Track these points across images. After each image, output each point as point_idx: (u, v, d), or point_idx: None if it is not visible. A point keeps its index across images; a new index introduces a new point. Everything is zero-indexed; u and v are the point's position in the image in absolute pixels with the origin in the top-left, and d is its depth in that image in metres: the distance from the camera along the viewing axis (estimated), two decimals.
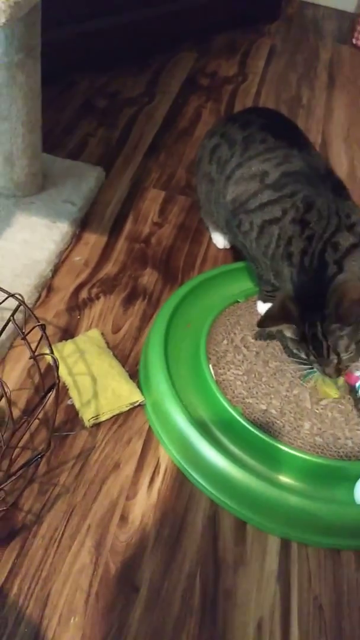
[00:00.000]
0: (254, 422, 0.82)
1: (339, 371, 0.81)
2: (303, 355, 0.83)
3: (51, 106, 1.39)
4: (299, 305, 0.79)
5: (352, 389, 0.87)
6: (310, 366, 0.84)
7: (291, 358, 0.90)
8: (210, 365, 0.88)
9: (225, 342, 0.92)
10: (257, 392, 0.87)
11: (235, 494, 0.76)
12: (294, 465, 0.79)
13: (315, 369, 0.84)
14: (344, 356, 0.79)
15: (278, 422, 0.84)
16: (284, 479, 0.79)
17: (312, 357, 0.81)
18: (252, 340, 0.94)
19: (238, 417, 0.81)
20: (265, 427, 0.83)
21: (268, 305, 0.96)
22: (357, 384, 0.86)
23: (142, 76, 1.57)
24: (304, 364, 0.86)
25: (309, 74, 1.73)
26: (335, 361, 0.79)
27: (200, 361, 0.87)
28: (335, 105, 1.61)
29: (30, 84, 0.97)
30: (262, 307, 0.97)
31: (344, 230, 0.81)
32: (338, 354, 0.79)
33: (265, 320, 0.82)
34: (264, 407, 0.85)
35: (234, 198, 0.93)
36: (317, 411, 0.85)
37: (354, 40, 1.94)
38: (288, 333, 0.82)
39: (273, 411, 0.85)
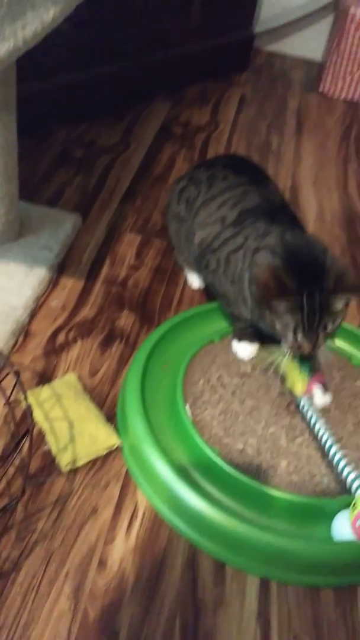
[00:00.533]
0: (231, 462, 0.83)
1: (315, 348, 0.83)
2: (284, 328, 0.82)
3: (29, 156, 1.43)
4: (293, 276, 0.80)
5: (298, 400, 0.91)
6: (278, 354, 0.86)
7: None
8: (187, 406, 0.89)
9: (201, 382, 0.94)
10: (233, 432, 0.88)
11: (214, 535, 0.76)
12: (272, 504, 0.80)
13: (286, 352, 0.85)
14: (329, 330, 0.82)
15: (255, 461, 0.85)
16: (262, 518, 0.79)
17: (299, 331, 0.81)
18: (228, 379, 0.95)
19: (215, 458, 0.82)
20: (243, 467, 0.83)
21: (244, 343, 0.99)
22: (302, 398, 0.90)
23: (118, 126, 1.62)
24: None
25: (278, 121, 1.79)
26: (320, 336, 0.81)
27: (176, 402, 0.89)
28: (304, 150, 1.68)
29: (6, 136, 1.00)
30: (237, 346, 0.99)
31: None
32: (326, 327, 0.81)
33: (264, 298, 0.82)
34: (240, 446, 0.86)
35: (200, 241, 0.98)
36: (292, 449, 0.87)
37: (320, 88, 2.03)
38: (280, 307, 0.82)
39: (250, 450, 0.86)
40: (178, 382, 0.91)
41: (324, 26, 2.19)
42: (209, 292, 1.12)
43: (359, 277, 0.82)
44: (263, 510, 0.80)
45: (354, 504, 0.76)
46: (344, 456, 0.82)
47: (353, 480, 0.79)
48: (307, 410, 0.89)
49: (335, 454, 0.82)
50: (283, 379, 0.93)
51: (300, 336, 0.82)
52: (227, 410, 0.90)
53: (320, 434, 0.85)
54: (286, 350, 0.85)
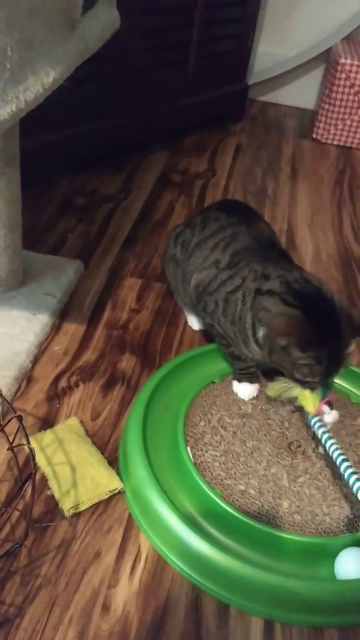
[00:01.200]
0: (233, 504, 0.83)
1: (328, 387, 0.86)
2: (305, 378, 0.84)
3: (32, 206, 1.47)
4: (315, 328, 0.81)
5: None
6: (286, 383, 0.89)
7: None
8: (188, 448, 0.90)
9: (202, 423, 0.95)
10: (235, 473, 0.88)
11: (217, 578, 0.76)
12: (275, 544, 0.80)
13: (296, 385, 0.87)
14: (340, 371, 0.84)
15: (257, 502, 0.85)
16: (265, 559, 0.79)
17: (317, 379, 0.83)
18: (229, 421, 0.96)
19: (217, 500, 0.82)
20: (245, 508, 0.84)
21: (244, 384, 1.00)
22: (312, 420, 0.92)
23: (118, 175, 1.68)
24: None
25: (273, 167, 1.85)
26: (333, 378, 0.85)
27: (178, 444, 0.90)
28: (299, 194, 1.73)
29: (10, 189, 1.04)
30: (238, 387, 1.01)
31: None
32: (339, 371, 0.84)
33: (285, 347, 0.83)
34: (242, 487, 0.87)
35: (196, 285, 1.00)
36: (294, 489, 0.87)
37: (314, 135, 2.10)
38: (298, 356, 0.83)
39: (252, 491, 0.86)
40: (179, 424, 0.92)
41: (315, 76, 2.29)
42: (208, 334, 1.15)
43: None
44: (266, 551, 0.80)
45: None
46: (356, 472, 0.83)
47: None
48: (320, 427, 0.90)
49: (347, 468, 0.84)
50: (293, 400, 0.94)
51: (316, 382, 0.85)
52: (228, 452, 0.91)
53: (332, 450, 0.87)
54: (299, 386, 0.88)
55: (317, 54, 2.19)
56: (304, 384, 0.86)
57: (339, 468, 0.85)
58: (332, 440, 0.88)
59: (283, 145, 2.01)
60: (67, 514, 0.81)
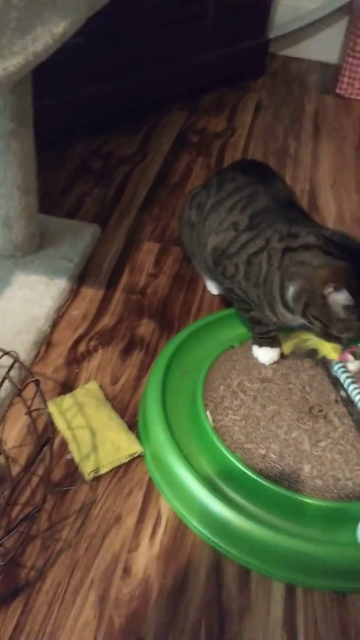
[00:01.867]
0: (253, 468, 0.82)
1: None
2: (338, 334, 0.83)
3: (48, 169, 1.45)
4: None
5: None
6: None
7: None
8: (208, 412, 0.89)
9: (222, 387, 0.94)
10: (255, 437, 0.87)
11: (238, 542, 0.76)
12: (296, 509, 0.79)
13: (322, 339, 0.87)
14: None
15: (278, 466, 0.84)
16: (286, 524, 0.78)
17: (350, 331, 0.83)
18: (249, 385, 0.95)
19: (237, 464, 0.81)
20: (265, 472, 0.83)
21: (265, 348, 0.98)
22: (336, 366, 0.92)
23: (135, 136, 1.64)
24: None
25: (295, 125, 1.79)
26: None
27: (197, 408, 0.88)
28: (321, 153, 1.67)
29: (24, 150, 1.02)
30: (258, 351, 0.99)
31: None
32: None
33: (347, 298, 0.80)
34: (263, 452, 0.85)
35: (214, 247, 0.97)
36: (316, 453, 0.86)
37: (337, 90, 2.02)
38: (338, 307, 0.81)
39: (272, 455, 0.85)
40: (198, 389, 0.91)
41: (339, 28, 2.19)
42: (227, 298, 1.12)
43: None
44: (287, 516, 0.79)
45: None
46: None
47: None
48: (343, 373, 0.90)
49: None
50: (314, 354, 0.94)
51: (349, 333, 0.83)
52: (248, 416, 0.90)
53: (354, 394, 0.87)
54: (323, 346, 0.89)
55: (341, 5, 2.09)
56: (335, 339, 0.85)
57: None
58: (355, 385, 0.88)
59: (305, 101, 1.94)
60: (87, 477, 0.81)
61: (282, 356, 0.99)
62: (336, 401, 0.94)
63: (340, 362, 0.92)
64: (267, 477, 0.81)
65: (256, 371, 0.97)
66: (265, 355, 0.98)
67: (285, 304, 0.88)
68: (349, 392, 0.89)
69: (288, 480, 0.82)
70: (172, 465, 0.81)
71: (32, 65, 0.63)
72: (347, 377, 0.90)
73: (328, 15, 2.13)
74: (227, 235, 0.96)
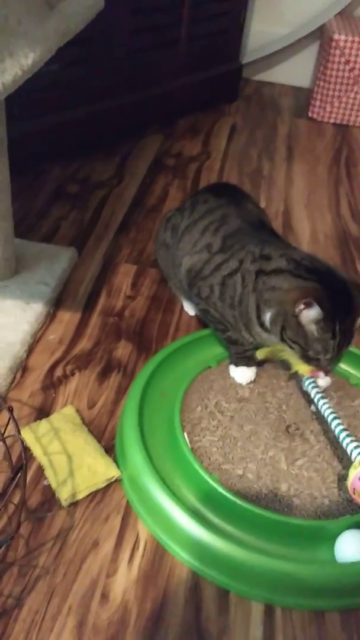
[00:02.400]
0: (231, 489, 0.82)
1: (333, 366, 0.86)
2: (316, 354, 0.83)
3: (24, 194, 1.46)
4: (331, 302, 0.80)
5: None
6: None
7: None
8: (185, 434, 0.89)
9: (199, 408, 0.94)
10: (233, 458, 0.88)
11: (216, 564, 0.76)
12: (274, 529, 0.79)
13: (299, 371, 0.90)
14: (348, 348, 0.85)
15: (255, 486, 0.84)
16: (264, 544, 0.78)
17: (327, 355, 0.83)
18: (226, 405, 0.95)
19: (215, 485, 0.81)
20: (243, 492, 0.83)
21: (242, 368, 0.99)
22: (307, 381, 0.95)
23: (111, 161, 1.66)
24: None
25: (269, 148, 1.83)
26: (339, 358, 0.85)
27: (175, 430, 0.89)
28: (295, 174, 1.70)
29: None
30: (235, 371, 1.00)
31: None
32: (347, 347, 0.84)
33: (326, 323, 0.81)
34: (240, 472, 0.86)
35: (188, 269, 0.99)
36: (293, 472, 0.86)
37: (309, 113, 2.07)
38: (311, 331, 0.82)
39: (250, 475, 0.85)
40: (176, 410, 0.91)
41: (310, 53, 2.25)
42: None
43: None
44: (265, 535, 0.79)
45: (354, 465, 0.80)
46: (347, 430, 0.86)
47: (354, 449, 0.82)
48: (313, 388, 0.93)
49: (338, 426, 0.87)
50: (287, 366, 0.95)
51: (325, 359, 0.84)
52: (225, 436, 0.90)
53: (324, 409, 0.90)
54: (303, 372, 0.90)
55: (311, 30, 2.15)
56: (315, 361, 0.85)
57: (331, 427, 0.88)
58: (325, 400, 0.91)
59: (279, 124, 1.98)
60: (64, 503, 0.81)
61: (259, 375, 1.00)
62: (312, 419, 0.95)
63: (310, 377, 0.93)
64: (244, 497, 0.82)
65: (233, 391, 0.98)
66: (242, 375, 0.99)
67: (262, 325, 0.89)
68: (319, 408, 0.91)
69: (265, 500, 0.83)
70: (149, 488, 0.80)
71: (3, 96, 0.64)
72: (317, 393, 0.92)
73: (299, 40, 2.18)
74: (201, 256, 0.97)
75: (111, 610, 0.72)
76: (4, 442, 0.70)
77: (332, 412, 0.89)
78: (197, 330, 1.12)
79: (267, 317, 0.87)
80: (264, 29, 2.21)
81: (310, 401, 0.95)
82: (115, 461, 0.87)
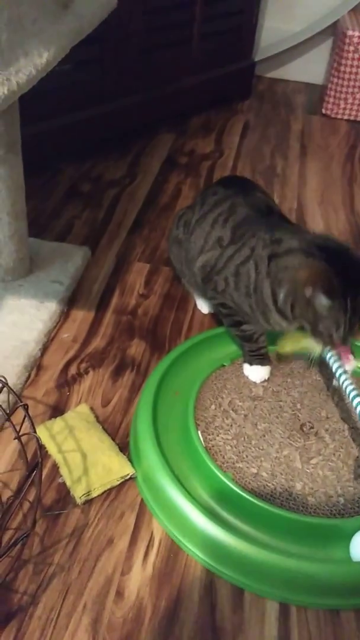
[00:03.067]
0: (245, 487, 0.82)
1: (348, 344, 0.86)
2: (327, 330, 0.82)
3: (38, 193, 1.46)
4: (339, 278, 0.79)
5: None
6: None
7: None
8: (199, 432, 0.89)
9: (213, 407, 0.94)
10: (247, 456, 0.87)
11: (231, 562, 0.76)
12: (289, 527, 0.79)
13: (314, 349, 0.87)
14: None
15: (270, 485, 0.84)
16: (279, 542, 0.78)
17: (340, 332, 0.82)
18: (240, 404, 0.95)
19: (229, 483, 0.81)
20: (257, 491, 0.83)
21: (256, 367, 0.99)
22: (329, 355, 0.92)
23: (124, 159, 1.66)
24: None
25: (282, 145, 1.82)
26: (353, 334, 0.83)
27: (189, 428, 0.89)
28: (308, 172, 1.69)
29: (13, 176, 1.03)
30: (249, 370, 1.00)
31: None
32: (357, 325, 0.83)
33: (309, 299, 0.82)
34: (254, 470, 0.86)
35: (202, 265, 0.98)
36: (307, 471, 0.86)
37: (323, 110, 2.05)
38: (322, 308, 0.82)
39: (264, 474, 0.85)
40: (189, 409, 0.91)
41: (323, 50, 2.23)
42: (218, 317, 1.13)
43: None
44: (280, 534, 0.79)
45: None
46: None
47: None
48: (335, 362, 0.90)
49: (358, 404, 0.85)
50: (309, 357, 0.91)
51: (338, 336, 0.82)
52: (239, 435, 0.90)
53: (345, 385, 0.88)
54: (318, 349, 0.86)
55: (325, 27, 2.13)
56: (327, 338, 0.83)
57: (352, 403, 0.86)
58: (347, 376, 0.89)
59: (292, 121, 1.97)
60: (78, 501, 0.81)
61: (272, 372, 1.00)
62: (327, 417, 0.94)
63: (332, 352, 0.91)
64: (259, 496, 0.81)
65: (247, 389, 0.98)
66: (257, 373, 0.99)
67: (279, 311, 0.88)
68: (341, 383, 0.89)
69: (280, 498, 0.82)
70: (164, 486, 0.81)
71: (17, 95, 0.65)
72: (339, 367, 0.90)
73: (312, 37, 2.17)
74: (213, 253, 0.97)
75: (126, 607, 0.72)
76: (20, 440, 0.70)
77: (353, 389, 0.87)
78: (210, 329, 1.12)
79: (281, 298, 0.86)
80: (277, 26, 2.20)
81: (332, 375, 0.92)
82: (130, 459, 0.87)
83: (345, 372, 0.90)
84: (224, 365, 1.02)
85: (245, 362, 1.00)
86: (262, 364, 0.99)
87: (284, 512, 0.79)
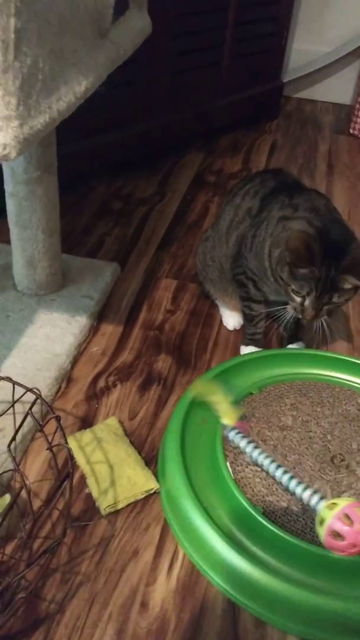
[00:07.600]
0: (275, 522, 0.80)
1: (316, 316, 0.93)
2: (298, 291, 0.91)
3: (71, 210, 1.50)
4: (322, 246, 0.86)
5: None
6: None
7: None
8: (228, 463, 0.87)
9: None
10: (277, 489, 0.85)
11: (258, 596, 0.74)
12: (319, 563, 0.77)
13: (289, 310, 0.95)
14: (330, 306, 0.92)
15: (300, 519, 0.82)
16: (309, 578, 0.76)
17: (309, 297, 0.90)
18: (269, 434, 0.93)
19: (259, 518, 0.79)
20: (287, 525, 0.81)
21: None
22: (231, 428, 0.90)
23: (154, 178, 1.70)
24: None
25: (309, 164, 1.84)
26: (322, 307, 0.91)
27: (217, 459, 0.87)
28: (336, 191, 1.71)
29: (49, 195, 1.07)
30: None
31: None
32: (331, 300, 0.90)
33: (296, 264, 0.89)
34: (284, 504, 0.83)
35: (236, 240, 1.06)
36: None
37: (351, 130, 2.07)
38: (299, 271, 0.90)
39: (294, 508, 0.83)
40: (217, 439, 0.89)
41: (351, 70, 2.25)
42: (243, 334, 1.15)
43: None
44: (310, 570, 0.76)
45: (321, 520, 0.76)
46: (293, 476, 0.83)
47: (311, 495, 0.80)
48: (242, 438, 0.88)
49: (282, 474, 0.84)
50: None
51: (308, 302, 0.91)
52: None
53: (260, 459, 0.86)
54: (291, 311, 0.95)
55: (353, 48, 2.16)
56: (296, 303, 0.92)
57: (274, 474, 0.84)
58: (258, 448, 0.87)
59: (319, 141, 1.99)
60: (104, 512, 0.83)
61: (302, 403, 1.00)
62: (358, 450, 0.92)
63: (234, 428, 0.90)
64: (289, 530, 0.79)
65: (276, 419, 0.96)
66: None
67: (273, 273, 0.96)
68: (253, 457, 0.87)
69: (311, 534, 0.80)
70: (187, 510, 0.79)
71: (57, 122, 0.68)
72: (249, 442, 0.88)
73: (341, 58, 2.20)
74: (244, 225, 1.04)
75: (150, 618, 0.73)
76: (51, 450, 0.72)
77: (267, 457, 0.86)
78: (235, 346, 1.13)
79: (274, 258, 0.94)
80: (306, 48, 2.23)
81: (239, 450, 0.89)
82: (155, 474, 0.88)
83: (256, 446, 0.87)
84: (252, 394, 0.99)
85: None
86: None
87: (315, 548, 0.77)
